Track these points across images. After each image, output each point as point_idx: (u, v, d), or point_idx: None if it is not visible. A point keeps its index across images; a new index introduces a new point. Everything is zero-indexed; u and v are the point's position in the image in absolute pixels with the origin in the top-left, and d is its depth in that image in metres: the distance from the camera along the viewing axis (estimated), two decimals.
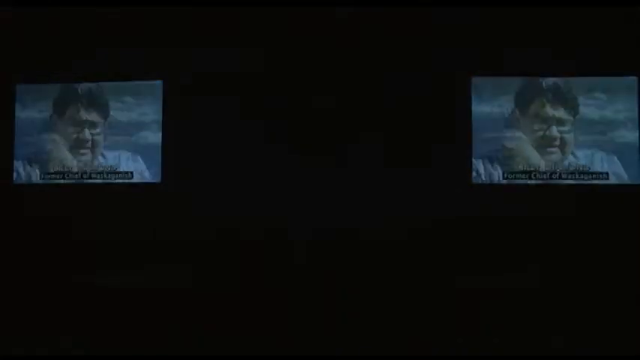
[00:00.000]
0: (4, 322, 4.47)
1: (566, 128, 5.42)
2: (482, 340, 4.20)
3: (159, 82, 5.74)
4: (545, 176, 5.42)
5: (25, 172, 5.82)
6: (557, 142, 5.42)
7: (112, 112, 5.77)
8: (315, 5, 5.21)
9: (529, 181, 5.43)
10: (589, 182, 5.38)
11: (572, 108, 5.43)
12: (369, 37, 5.51)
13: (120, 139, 5.75)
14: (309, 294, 4.93)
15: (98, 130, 5.77)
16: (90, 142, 5.77)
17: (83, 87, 5.80)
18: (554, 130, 5.42)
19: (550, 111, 5.43)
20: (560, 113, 5.42)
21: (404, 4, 5.19)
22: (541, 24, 5.35)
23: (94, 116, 5.78)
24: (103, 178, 5.75)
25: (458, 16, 5.32)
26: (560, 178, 5.41)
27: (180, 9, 5.36)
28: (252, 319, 4.51)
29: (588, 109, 5.43)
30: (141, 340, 4.22)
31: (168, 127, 5.70)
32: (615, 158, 5.38)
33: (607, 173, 5.37)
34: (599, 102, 5.43)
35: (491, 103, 5.50)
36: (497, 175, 5.45)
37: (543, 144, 5.43)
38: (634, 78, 5.41)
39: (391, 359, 4.02)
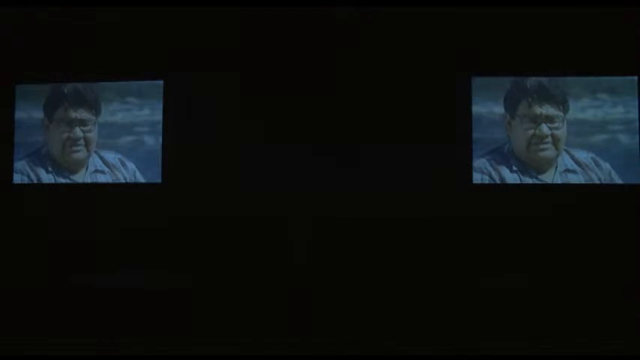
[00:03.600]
0: (3, 322, 4.47)
1: (555, 125, 5.42)
2: (483, 341, 4.20)
3: (160, 82, 5.74)
4: (539, 173, 5.43)
5: (25, 172, 5.82)
6: (549, 140, 5.42)
7: (111, 113, 5.77)
8: (315, 5, 5.21)
9: (529, 181, 5.42)
10: (589, 182, 5.37)
11: (561, 104, 5.42)
12: (369, 37, 5.51)
13: (120, 140, 5.75)
14: (310, 294, 4.93)
15: (89, 128, 5.76)
16: (82, 140, 5.76)
17: (70, 85, 5.79)
18: (544, 128, 5.41)
19: (537, 109, 5.43)
20: (548, 110, 5.42)
21: (404, 4, 5.19)
22: (541, 24, 5.35)
23: (83, 114, 5.76)
24: (99, 178, 5.74)
25: (458, 16, 5.32)
26: (555, 176, 5.40)
27: (181, 9, 5.35)
28: (253, 319, 4.52)
29: (589, 110, 5.43)
30: (140, 340, 4.22)
31: (169, 127, 5.69)
32: (614, 158, 5.37)
33: (607, 173, 5.37)
34: (600, 102, 5.43)
35: (490, 103, 5.50)
36: (498, 174, 5.45)
37: (535, 142, 5.42)
38: (634, 78, 5.41)
39: (391, 359, 4.02)
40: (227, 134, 5.60)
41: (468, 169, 5.45)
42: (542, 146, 5.42)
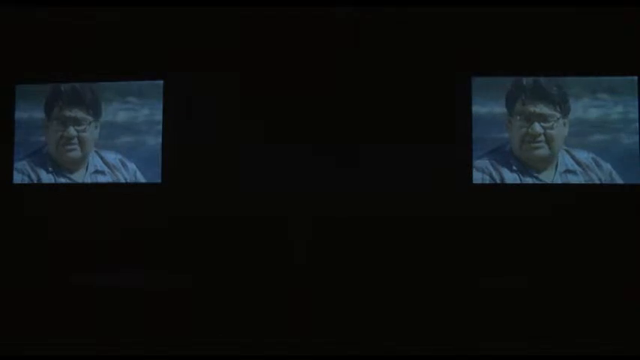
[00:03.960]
0: (3, 322, 4.47)
1: (549, 124, 5.41)
2: (483, 341, 4.20)
3: (160, 82, 5.74)
4: (537, 172, 5.43)
5: (25, 172, 5.82)
6: (542, 138, 5.41)
7: (112, 113, 5.76)
8: (315, 5, 5.21)
9: (529, 181, 5.42)
10: (589, 182, 5.37)
11: (559, 104, 5.42)
12: (368, 37, 5.51)
13: (120, 140, 5.75)
14: (310, 294, 4.93)
15: (84, 127, 5.76)
16: (76, 139, 5.75)
17: (67, 85, 5.79)
18: (537, 127, 5.41)
19: (530, 108, 5.42)
20: (542, 109, 5.41)
21: (404, 4, 5.19)
22: (541, 24, 5.35)
23: (78, 113, 5.76)
24: (99, 178, 5.74)
25: (458, 16, 5.32)
26: (555, 176, 5.40)
27: (180, 9, 5.35)
28: (253, 319, 4.51)
29: (589, 110, 5.43)
30: (140, 340, 4.22)
31: (169, 127, 5.69)
32: (614, 158, 5.38)
33: (608, 173, 5.37)
34: (600, 102, 5.43)
35: (490, 103, 5.50)
36: (499, 174, 5.45)
37: (527, 140, 5.42)
38: (634, 78, 5.41)
39: (391, 359, 4.02)
40: (227, 134, 5.60)
41: (468, 169, 5.45)
42: (534, 144, 5.42)
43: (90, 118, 5.76)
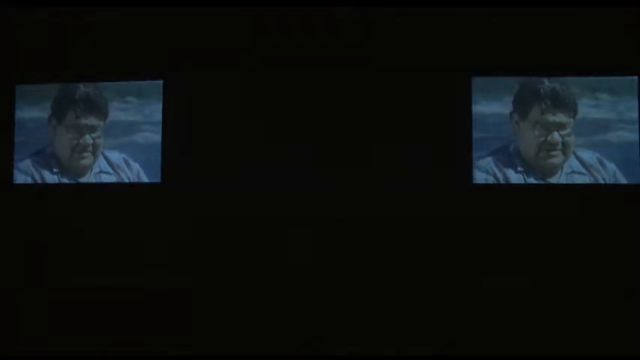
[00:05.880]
0: (4, 322, 4.47)
1: (567, 132, 5.40)
2: (482, 341, 4.21)
3: (160, 82, 5.73)
4: (545, 176, 5.41)
5: (29, 173, 5.81)
6: (560, 147, 5.40)
7: (112, 113, 5.76)
8: (315, 5, 5.21)
9: (529, 181, 5.41)
10: (589, 182, 5.37)
11: (572, 110, 5.41)
12: (369, 37, 5.51)
13: (120, 140, 5.74)
14: (309, 294, 4.93)
15: (98, 134, 5.76)
16: (91, 147, 5.75)
17: (81, 91, 5.78)
18: (556, 136, 5.39)
19: (550, 117, 5.41)
20: (561, 118, 5.40)
21: (404, 4, 5.18)
22: (541, 24, 5.35)
23: (93, 120, 5.76)
24: (104, 178, 5.74)
25: (458, 15, 5.32)
26: (560, 178, 5.39)
27: (181, 9, 5.35)
28: (252, 319, 4.52)
29: (590, 109, 5.42)
30: (141, 340, 4.22)
31: (168, 127, 5.69)
32: (616, 158, 5.37)
33: (612, 174, 5.35)
34: (600, 102, 5.42)
35: (492, 103, 5.49)
36: (503, 175, 5.43)
37: (546, 148, 5.40)
38: (634, 78, 5.40)
39: (390, 359, 4.02)
40: (227, 134, 5.60)
41: (468, 169, 5.45)
42: (552, 153, 5.38)
43: (102, 123, 5.76)
